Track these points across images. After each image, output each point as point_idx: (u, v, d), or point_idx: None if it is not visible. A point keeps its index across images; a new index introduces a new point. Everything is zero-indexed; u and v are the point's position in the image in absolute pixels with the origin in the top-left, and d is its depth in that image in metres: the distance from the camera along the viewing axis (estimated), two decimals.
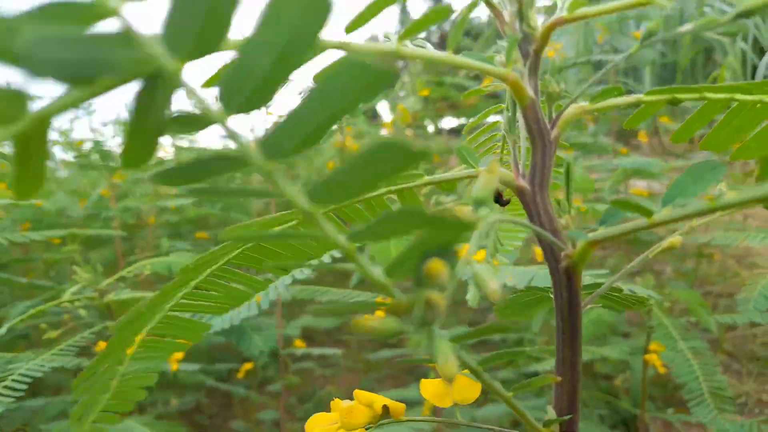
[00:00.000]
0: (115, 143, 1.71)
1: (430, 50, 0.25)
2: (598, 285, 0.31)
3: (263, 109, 0.17)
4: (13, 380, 0.77)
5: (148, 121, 0.15)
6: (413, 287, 0.19)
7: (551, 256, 0.29)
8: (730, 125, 0.28)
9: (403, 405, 0.36)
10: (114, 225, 1.42)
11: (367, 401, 0.36)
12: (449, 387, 0.36)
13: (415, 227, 0.18)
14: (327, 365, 1.95)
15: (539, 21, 0.26)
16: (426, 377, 0.36)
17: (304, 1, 0.14)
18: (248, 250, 0.35)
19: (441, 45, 0.28)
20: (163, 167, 0.16)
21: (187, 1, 0.14)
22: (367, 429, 0.35)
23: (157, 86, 0.15)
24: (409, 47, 0.25)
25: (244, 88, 0.15)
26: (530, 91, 0.27)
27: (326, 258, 0.86)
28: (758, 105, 0.28)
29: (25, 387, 0.76)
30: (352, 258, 0.19)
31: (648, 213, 0.25)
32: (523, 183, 0.28)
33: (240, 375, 1.56)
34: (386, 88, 0.16)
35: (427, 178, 0.31)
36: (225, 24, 0.15)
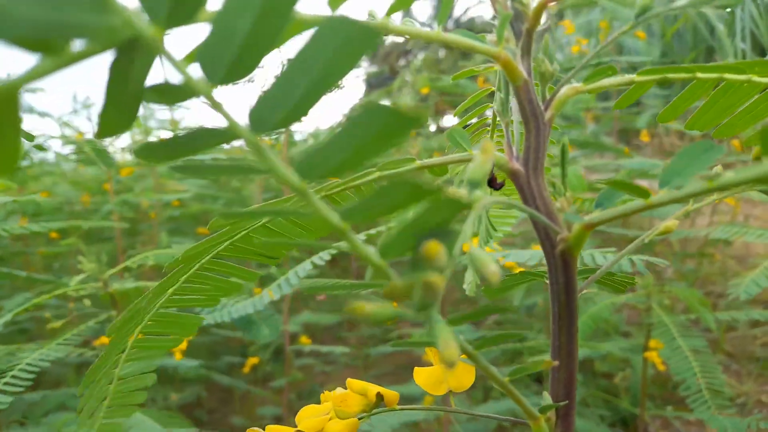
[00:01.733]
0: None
1: (418, 27, 0.25)
2: (593, 270, 0.31)
3: (247, 80, 0.16)
4: (19, 370, 0.75)
5: (125, 90, 0.15)
6: (410, 270, 0.18)
7: (546, 240, 0.29)
8: (717, 104, 0.28)
9: (397, 393, 0.36)
10: (113, 219, 1.42)
11: (360, 389, 0.36)
12: (443, 374, 0.35)
13: (410, 201, 0.17)
14: (327, 362, 1.94)
15: None
16: None
17: None
18: (237, 241, 0.35)
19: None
20: (146, 142, 0.16)
21: None
22: (359, 418, 0.35)
23: (135, 54, 0.14)
24: (396, 23, 0.24)
25: (225, 56, 0.15)
26: (523, 71, 0.26)
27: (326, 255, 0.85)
28: (745, 84, 0.27)
29: (32, 377, 0.74)
30: (344, 237, 0.18)
31: (645, 194, 0.24)
32: (517, 165, 0.28)
33: (246, 370, 1.57)
34: (369, 49, 0.15)
35: (419, 163, 0.30)
36: None
